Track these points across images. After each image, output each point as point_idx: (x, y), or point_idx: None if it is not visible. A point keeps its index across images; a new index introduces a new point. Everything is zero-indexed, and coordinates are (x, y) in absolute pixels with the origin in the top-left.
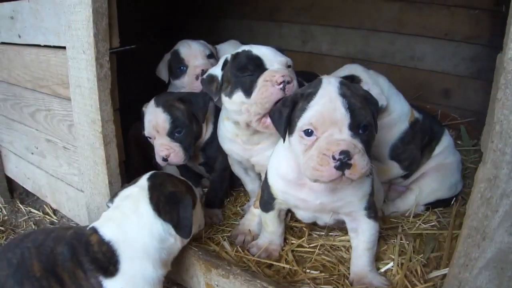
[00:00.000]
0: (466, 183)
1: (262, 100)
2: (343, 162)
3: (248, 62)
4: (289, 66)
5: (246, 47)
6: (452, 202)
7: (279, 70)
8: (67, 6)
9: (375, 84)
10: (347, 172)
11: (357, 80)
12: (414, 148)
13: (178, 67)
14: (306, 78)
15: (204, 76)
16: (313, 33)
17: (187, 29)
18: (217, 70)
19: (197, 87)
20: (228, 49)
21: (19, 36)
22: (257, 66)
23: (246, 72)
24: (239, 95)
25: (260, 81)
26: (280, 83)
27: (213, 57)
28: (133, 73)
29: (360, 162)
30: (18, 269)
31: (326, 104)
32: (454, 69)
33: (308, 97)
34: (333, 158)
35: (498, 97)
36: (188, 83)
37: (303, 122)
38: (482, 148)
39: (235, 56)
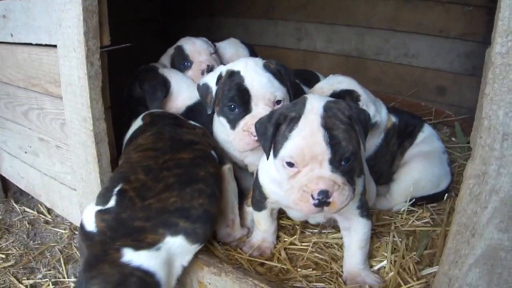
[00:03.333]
0: (460, 180)
1: (239, 144)
2: (322, 201)
3: (236, 95)
4: (278, 102)
5: (241, 68)
6: (445, 198)
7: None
8: (58, 4)
9: (371, 101)
10: (326, 208)
11: (356, 95)
12: (384, 162)
13: (182, 63)
14: (304, 77)
15: (201, 83)
16: (308, 31)
17: (182, 28)
18: (212, 82)
19: None
20: (227, 48)
21: (12, 35)
22: (244, 102)
23: (232, 103)
24: (224, 122)
25: (240, 125)
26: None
27: (215, 52)
28: (127, 72)
29: (339, 199)
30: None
31: (307, 138)
32: (449, 66)
33: (291, 123)
34: (312, 197)
35: (486, 92)
36: (193, 78)
37: (284, 154)
38: (471, 144)
39: (228, 76)
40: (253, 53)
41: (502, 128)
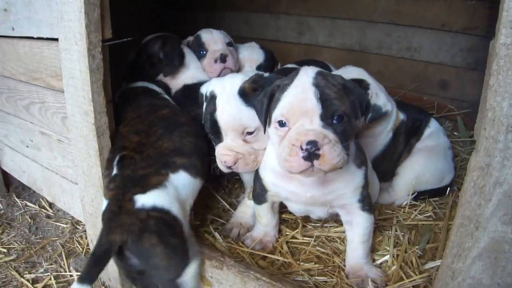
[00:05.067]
0: (462, 174)
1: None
2: (311, 152)
3: (209, 125)
4: (249, 133)
5: (218, 92)
6: (448, 192)
7: (227, 151)
8: None
9: (382, 91)
10: (316, 162)
11: (365, 84)
12: (391, 160)
13: (198, 51)
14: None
15: (200, 90)
16: (310, 25)
17: (184, 21)
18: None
19: (215, 70)
20: (243, 51)
21: (13, 29)
22: (215, 132)
23: (208, 131)
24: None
25: (216, 153)
26: (224, 166)
27: (232, 45)
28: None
29: (329, 152)
30: None
31: (298, 95)
32: (451, 60)
33: (283, 88)
34: (301, 148)
35: (490, 84)
36: (206, 66)
37: (276, 113)
38: (475, 136)
39: (210, 99)
40: (270, 59)
41: (506, 119)
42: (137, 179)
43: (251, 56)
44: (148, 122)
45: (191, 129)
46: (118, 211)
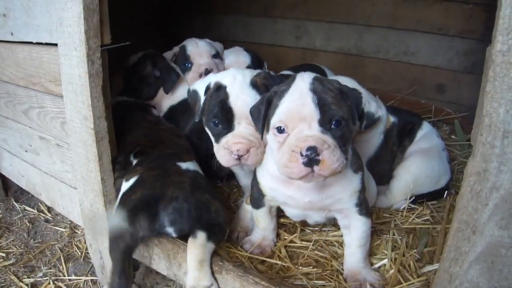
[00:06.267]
0: (460, 177)
1: (221, 160)
2: (311, 158)
3: (220, 112)
4: None
5: (228, 83)
6: (445, 196)
7: (240, 139)
8: (59, 3)
9: (372, 99)
10: (316, 168)
11: None
12: (385, 162)
13: (183, 64)
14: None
15: (191, 88)
16: (307, 29)
17: (181, 25)
18: (201, 90)
19: None
20: (228, 55)
21: (12, 34)
22: (227, 120)
23: (216, 119)
24: (210, 134)
25: (222, 142)
26: (236, 154)
27: (218, 56)
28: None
29: (329, 158)
30: None
31: (296, 100)
32: (448, 64)
33: (281, 94)
34: (301, 154)
35: (487, 90)
36: (191, 80)
37: (275, 120)
38: (472, 141)
39: (216, 89)
40: (256, 61)
41: (502, 125)
42: (169, 156)
43: (237, 59)
44: (153, 130)
45: (187, 141)
46: (165, 174)
